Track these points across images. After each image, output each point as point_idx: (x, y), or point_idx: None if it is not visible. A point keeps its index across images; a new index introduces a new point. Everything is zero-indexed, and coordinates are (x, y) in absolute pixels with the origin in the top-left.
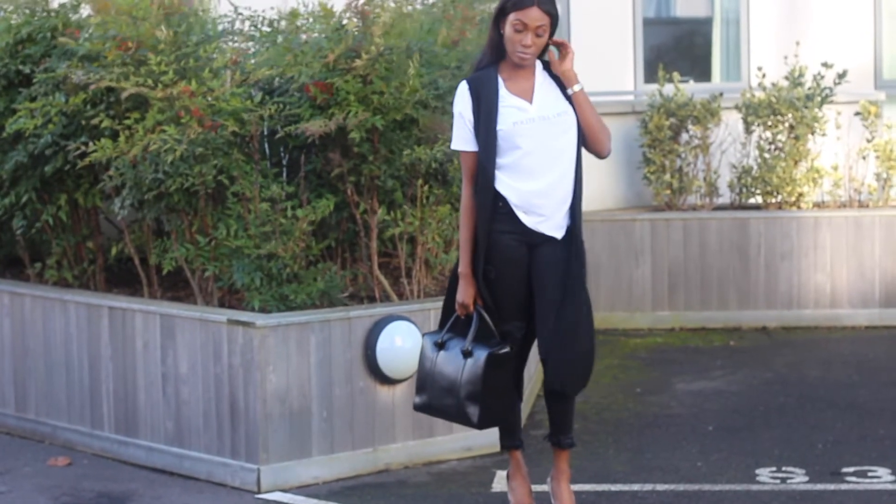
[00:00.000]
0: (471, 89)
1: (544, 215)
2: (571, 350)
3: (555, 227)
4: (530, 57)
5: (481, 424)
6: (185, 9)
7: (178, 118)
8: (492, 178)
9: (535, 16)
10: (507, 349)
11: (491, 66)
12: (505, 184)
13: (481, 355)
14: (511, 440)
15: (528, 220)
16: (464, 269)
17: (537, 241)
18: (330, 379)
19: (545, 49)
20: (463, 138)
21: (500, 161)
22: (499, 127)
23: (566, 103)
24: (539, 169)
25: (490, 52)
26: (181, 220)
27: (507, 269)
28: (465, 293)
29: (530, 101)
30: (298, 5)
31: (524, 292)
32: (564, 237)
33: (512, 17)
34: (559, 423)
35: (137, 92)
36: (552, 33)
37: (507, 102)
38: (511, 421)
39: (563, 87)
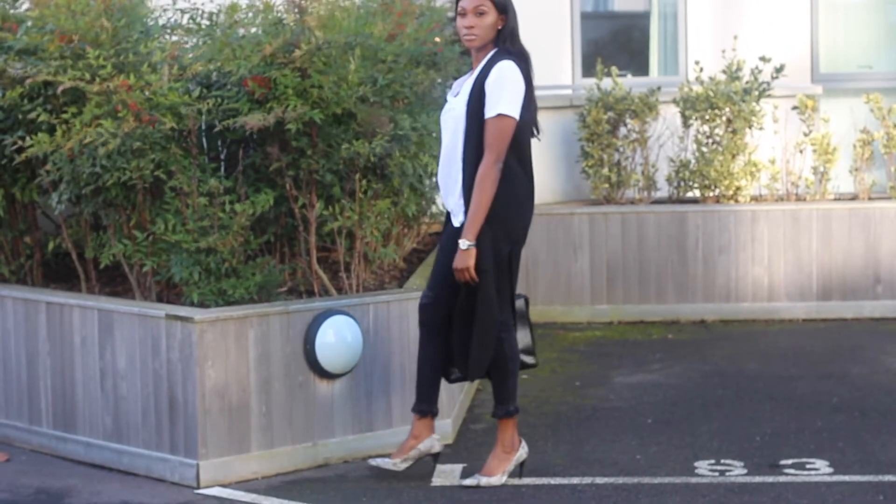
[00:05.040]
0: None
1: (446, 201)
2: (461, 337)
3: (456, 218)
4: (476, 38)
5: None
6: (125, 2)
7: (116, 112)
8: None
9: None
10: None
11: None
12: None
13: None
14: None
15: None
16: None
17: (454, 226)
18: (269, 374)
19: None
20: None
21: None
22: None
23: (463, 102)
24: (442, 157)
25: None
26: (119, 214)
27: (442, 248)
28: None
29: (455, 96)
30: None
31: (441, 265)
32: (461, 227)
33: (457, 7)
34: (494, 395)
35: (74, 86)
36: (507, 12)
37: (449, 96)
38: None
39: (480, 83)
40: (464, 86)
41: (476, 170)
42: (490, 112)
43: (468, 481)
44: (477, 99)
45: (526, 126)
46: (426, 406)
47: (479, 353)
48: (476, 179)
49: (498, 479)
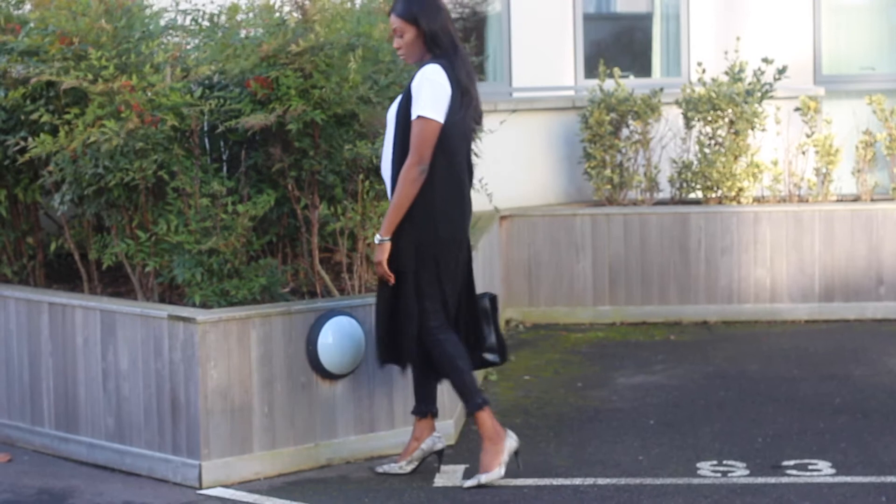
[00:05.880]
0: None
1: None
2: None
3: None
4: (405, 56)
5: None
6: (127, 3)
7: (119, 113)
8: None
9: (391, 21)
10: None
11: None
12: None
13: None
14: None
15: None
16: None
17: None
18: (271, 374)
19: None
20: None
21: None
22: None
23: (394, 106)
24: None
25: None
26: (121, 215)
27: None
28: None
29: None
30: (239, 0)
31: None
32: None
33: None
34: (457, 395)
35: (77, 86)
36: (418, 23)
37: None
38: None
39: (407, 88)
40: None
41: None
42: (412, 115)
43: (469, 483)
44: (405, 103)
45: (455, 129)
46: (424, 406)
47: (408, 345)
48: (398, 182)
49: (497, 472)
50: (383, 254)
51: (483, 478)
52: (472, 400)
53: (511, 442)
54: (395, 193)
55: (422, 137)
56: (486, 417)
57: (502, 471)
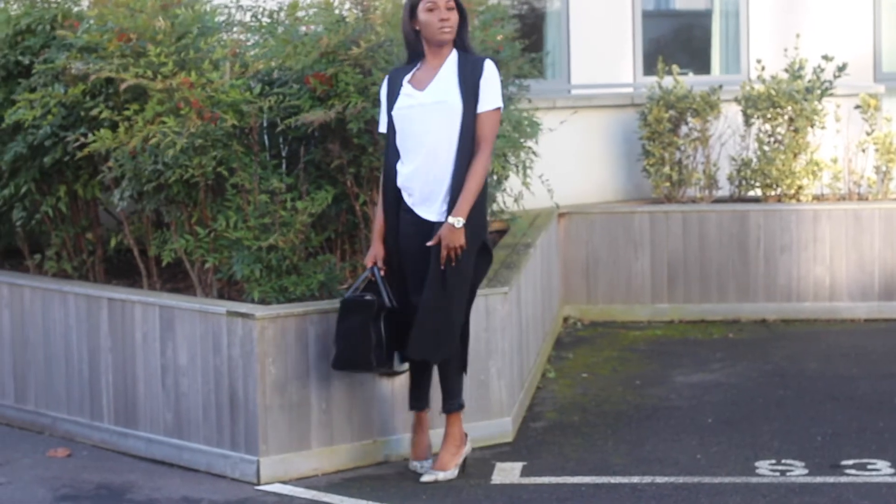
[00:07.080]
0: (389, 78)
1: (416, 197)
2: (422, 323)
3: (430, 210)
4: (452, 31)
5: (334, 365)
6: None
7: (178, 109)
8: (392, 161)
9: None
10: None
11: (414, 62)
12: (399, 165)
13: None
14: (414, 402)
15: (410, 201)
16: (374, 232)
17: (423, 221)
18: (329, 370)
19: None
20: (381, 120)
21: (397, 144)
22: (392, 111)
23: (455, 94)
24: (411, 152)
25: (407, 50)
26: (181, 211)
27: (407, 246)
28: (369, 253)
29: (422, 90)
30: None
31: (426, 270)
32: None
33: (422, 4)
34: (443, 389)
35: (137, 83)
36: (465, 14)
37: (404, 90)
38: (412, 385)
39: (470, 78)
40: (434, 83)
41: (467, 163)
42: (490, 105)
43: (427, 478)
44: (472, 94)
45: None
46: (424, 403)
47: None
48: (474, 170)
49: (453, 472)
50: (463, 237)
51: (441, 475)
52: (457, 399)
53: (467, 448)
54: (471, 183)
55: (496, 128)
56: (460, 420)
57: (456, 472)
